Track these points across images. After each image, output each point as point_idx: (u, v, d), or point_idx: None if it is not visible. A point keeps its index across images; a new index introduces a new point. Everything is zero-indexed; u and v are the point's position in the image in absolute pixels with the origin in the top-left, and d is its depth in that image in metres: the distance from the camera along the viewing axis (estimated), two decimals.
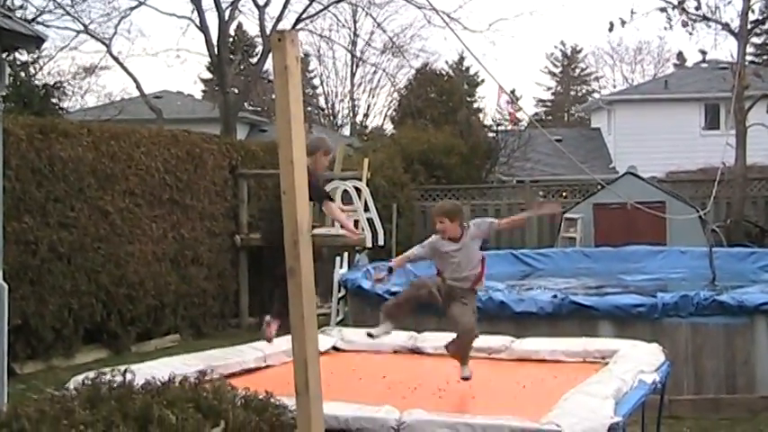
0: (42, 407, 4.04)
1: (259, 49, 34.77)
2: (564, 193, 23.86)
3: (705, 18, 21.67)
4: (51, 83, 19.12)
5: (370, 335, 6.80)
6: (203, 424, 3.96)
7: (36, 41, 8.17)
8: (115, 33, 29.82)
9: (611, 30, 22.07)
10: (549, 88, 75.02)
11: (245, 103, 37.02)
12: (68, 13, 28.27)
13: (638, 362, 6.40)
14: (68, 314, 11.65)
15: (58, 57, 29.41)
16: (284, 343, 7.03)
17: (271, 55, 3.74)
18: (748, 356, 8.96)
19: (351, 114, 53.69)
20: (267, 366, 7.02)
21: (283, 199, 3.62)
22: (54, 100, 17.89)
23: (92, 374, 4.45)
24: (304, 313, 3.63)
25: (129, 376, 4.40)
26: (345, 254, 15.25)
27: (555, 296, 9.43)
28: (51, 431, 3.82)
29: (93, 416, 3.92)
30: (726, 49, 68.70)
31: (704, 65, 35.38)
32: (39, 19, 27.20)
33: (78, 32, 29.25)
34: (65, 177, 11.75)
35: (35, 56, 19.97)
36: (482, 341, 7.59)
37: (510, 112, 34.39)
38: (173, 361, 6.52)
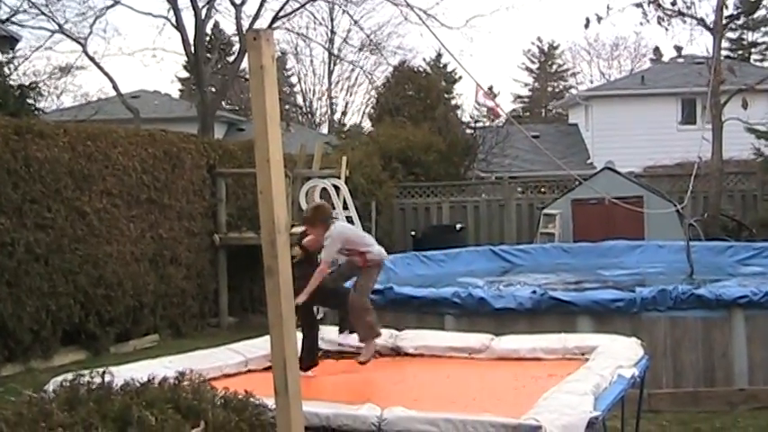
0: (20, 409, 4.01)
1: (236, 47, 34.72)
2: (542, 189, 23.90)
3: (680, 13, 21.78)
4: (26, 83, 18.91)
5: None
6: (183, 424, 3.94)
7: (10, 42, 8.14)
8: (91, 33, 29.70)
9: (587, 26, 22.16)
10: (526, 84, 75.19)
11: (223, 102, 36.95)
12: (43, 13, 28.16)
13: (616, 357, 6.43)
14: (46, 315, 11.57)
15: (33, 57, 29.11)
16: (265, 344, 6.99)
17: (247, 54, 3.73)
18: (726, 349, 9.01)
19: (329, 112, 53.76)
20: (249, 371, 6.97)
21: (260, 198, 3.61)
22: (29, 100, 17.70)
23: (70, 376, 4.42)
24: (282, 312, 3.62)
25: (107, 377, 4.37)
26: None
27: (534, 292, 9.44)
28: None
29: (72, 418, 3.90)
30: (701, 44, 68.99)
31: (680, 60, 35.55)
32: (13, 19, 27.07)
33: (53, 32, 29.14)
34: (41, 178, 11.68)
35: (9, 56, 19.80)
36: (461, 340, 7.61)
37: (491, 107, 34.47)
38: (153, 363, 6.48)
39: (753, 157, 22.17)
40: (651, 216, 17.52)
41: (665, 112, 34.59)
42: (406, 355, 7.55)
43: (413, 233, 21.98)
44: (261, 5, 28.66)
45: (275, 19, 29.14)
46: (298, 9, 30.32)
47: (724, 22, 21.61)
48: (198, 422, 4.01)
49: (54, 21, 28.72)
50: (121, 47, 45.84)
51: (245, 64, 29.50)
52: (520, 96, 74.64)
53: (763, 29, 48.61)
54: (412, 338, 7.68)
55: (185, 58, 30.17)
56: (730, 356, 9.01)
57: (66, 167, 12.10)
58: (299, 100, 55.13)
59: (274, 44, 3.65)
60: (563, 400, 5.20)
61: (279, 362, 3.67)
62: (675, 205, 16.86)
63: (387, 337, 7.79)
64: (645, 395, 7.20)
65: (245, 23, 28.71)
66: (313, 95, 54.02)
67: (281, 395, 3.68)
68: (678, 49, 25.72)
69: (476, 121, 33.47)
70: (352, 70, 48.05)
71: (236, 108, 47.08)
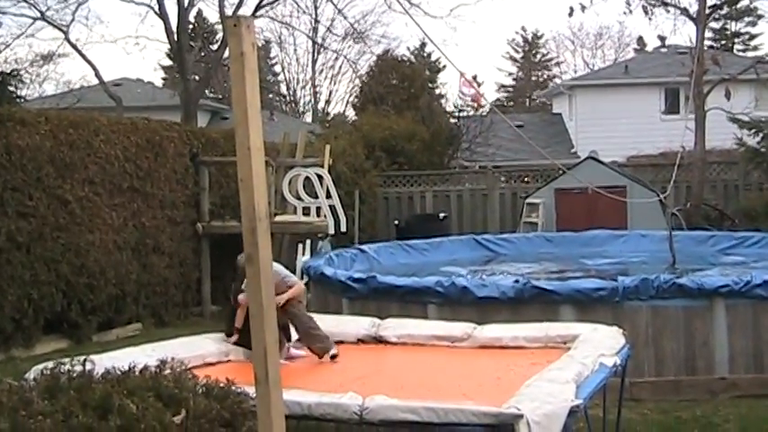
0: (0, 398, 3.99)
1: (219, 36, 34.56)
2: (526, 178, 23.95)
3: (664, 3, 21.85)
4: (8, 71, 18.80)
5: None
6: (164, 413, 3.93)
7: None
8: (73, 20, 29.46)
9: (571, 15, 22.20)
10: (510, 74, 75.10)
11: (206, 91, 36.78)
12: (25, 0, 27.91)
13: (598, 345, 6.45)
14: (28, 304, 11.52)
15: (14, 44, 28.88)
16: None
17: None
18: (707, 338, 9.04)
19: (312, 101, 53.61)
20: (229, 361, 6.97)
21: (240, 186, 3.60)
22: (11, 88, 17.59)
23: (51, 364, 4.40)
24: (263, 301, 3.61)
25: (88, 366, 4.36)
26: (308, 241, 15.24)
27: (517, 281, 9.46)
28: (9, 422, 3.78)
29: (53, 406, 3.89)
30: (685, 34, 69.25)
31: (664, 50, 35.64)
32: None
33: (35, 19, 28.89)
34: (23, 166, 11.61)
35: None
36: (444, 329, 7.62)
37: (473, 96, 34.44)
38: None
39: (735, 146, 22.25)
40: (634, 205, 17.57)
41: (648, 101, 34.67)
42: (389, 343, 7.56)
43: (396, 222, 21.99)
44: None
45: (258, 7, 29.02)
46: None
47: (707, 11, 21.67)
48: (179, 410, 4.00)
49: (36, 8, 28.49)
50: (104, 34, 45.37)
51: (228, 52, 29.36)
52: (504, 86, 74.64)
53: (746, 19, 48.76)
54: (395, 327, 7.69)
55: (168, 47, 29.92)
56: (711, 345, 9.05)
57: (47, 155, 12.03)
58: (283, 89, 54.99)
59: (255, 31, 3.64)
60: (545, 388, 5.21)
61: (260, 350, 3.66)
62: (658, 195, 16.91)
63: (369, 325, 7.81)
64: (626, 384, 7.24)
65: (229, 11, 28.57)
66: (297, 84, 53.92)
67: (261, 384, 3.67)
68: (662, 38, 25.86)
69: (459, 111, 33.45)
70: (336, 59, 47.95)
71: (220, 96, 46.89)
